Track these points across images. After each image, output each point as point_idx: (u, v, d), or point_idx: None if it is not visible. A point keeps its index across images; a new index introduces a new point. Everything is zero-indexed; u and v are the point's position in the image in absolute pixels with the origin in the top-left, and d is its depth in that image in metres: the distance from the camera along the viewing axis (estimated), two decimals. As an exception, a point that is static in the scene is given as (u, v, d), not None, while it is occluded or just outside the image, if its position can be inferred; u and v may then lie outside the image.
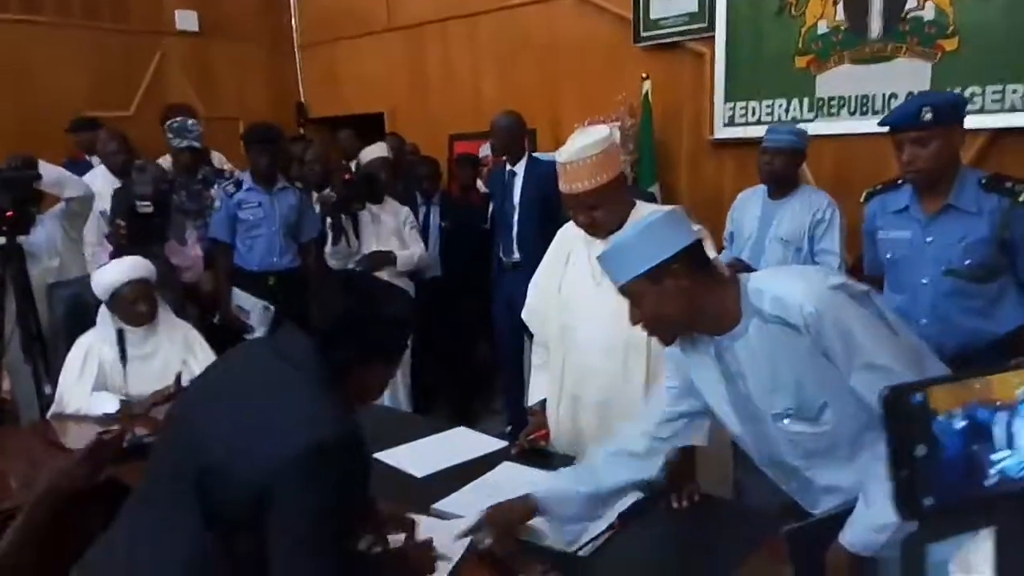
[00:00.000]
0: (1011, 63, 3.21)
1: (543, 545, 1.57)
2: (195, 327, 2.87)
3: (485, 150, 5.00)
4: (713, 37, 4.05)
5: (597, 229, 1.91)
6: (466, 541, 1.55)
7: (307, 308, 1.32)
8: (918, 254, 2.29)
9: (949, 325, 2.23)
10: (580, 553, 1.46)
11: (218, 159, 4.73)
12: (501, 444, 2.16)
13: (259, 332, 3.62)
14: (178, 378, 2.58)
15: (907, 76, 3.46)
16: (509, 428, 3.65)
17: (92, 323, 2.68)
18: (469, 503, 1.74)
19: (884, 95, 3.55)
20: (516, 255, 3.83)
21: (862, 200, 2.55)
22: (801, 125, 3.46)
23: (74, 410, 2.54)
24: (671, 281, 1.37)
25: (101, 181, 3.73)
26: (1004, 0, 3.22)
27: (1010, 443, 0.74)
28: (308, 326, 1.30)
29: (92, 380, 2.57)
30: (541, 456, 2.05)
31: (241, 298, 3.70)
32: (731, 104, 4.05)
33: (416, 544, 1.53)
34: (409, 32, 5.71)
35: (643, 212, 1.88)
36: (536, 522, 1.58)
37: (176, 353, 2.69)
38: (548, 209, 3.56)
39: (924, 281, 2.27)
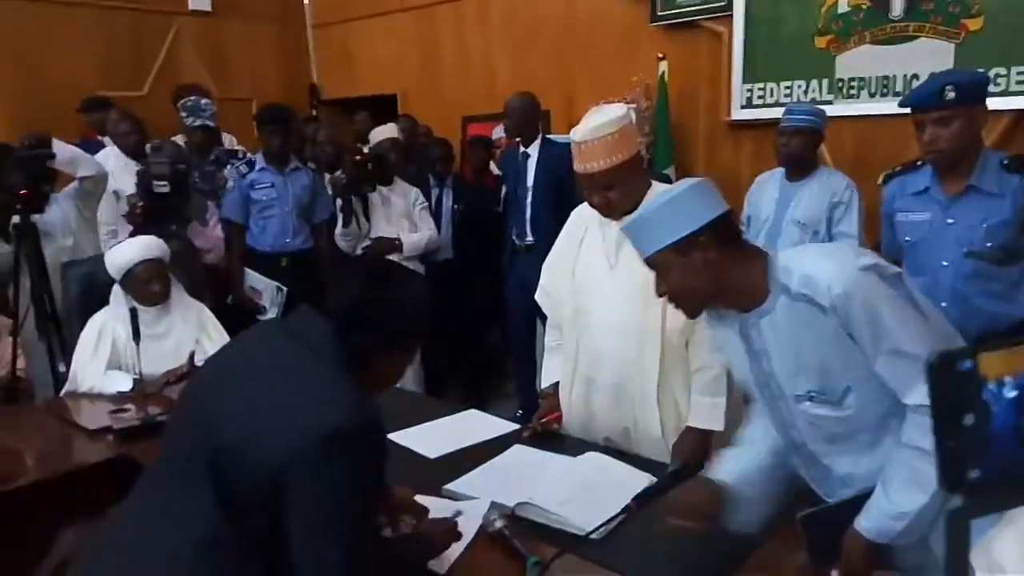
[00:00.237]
0: (1037, 44, 3.14)
1: (555, 527, 1.55)
2: (208, 307, 2.88)
3: (498, 132, 4.97)
4: (731, 16, 3.98)
5: (612, 210, 1.88)
6: (478, 522, 1.55)
7: (321, 290, 1.31)
8: (938, 236, 2.26)
9: (969, 308, 2.20)
10: (593, 536, 1.45)
11: (229, 141, 4.72)
12: (513, 427, 2.15)
13: (271, 313, 3.62)
14: (191, 358, 2.60)
15: (929, 56, 3.38)
16: (520, 412, 3.64)
17: (106, 302, 2.69)
18: (480, 485, 1.74)
19: (905, 76, 3.48)
20: (529, 237, 3.81)
21: (880, 182, 2.51)
22: (820, 107, 3.40)
23: (88, 388, 2.56)
24: (698, 254, 1.34)
25: (113, 161, 3.73)
26: (1031, -21, 3.14)
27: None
28: (323, 309, 1.29)
29: (106, 358, 2.58)
30: (553, 439, 2.03)
31: (254, 279, 3.70)
32: (749, 85, 3.98)
33: (436, 521, 1.53)
34: (421, 12, 5.66)
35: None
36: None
37: (189, 333, 2.70)
38: (562, 191, 3.54)
39: (944, 263, 2.24)
